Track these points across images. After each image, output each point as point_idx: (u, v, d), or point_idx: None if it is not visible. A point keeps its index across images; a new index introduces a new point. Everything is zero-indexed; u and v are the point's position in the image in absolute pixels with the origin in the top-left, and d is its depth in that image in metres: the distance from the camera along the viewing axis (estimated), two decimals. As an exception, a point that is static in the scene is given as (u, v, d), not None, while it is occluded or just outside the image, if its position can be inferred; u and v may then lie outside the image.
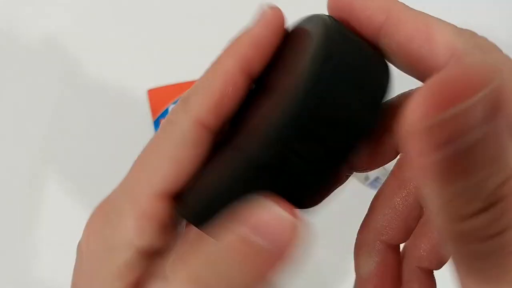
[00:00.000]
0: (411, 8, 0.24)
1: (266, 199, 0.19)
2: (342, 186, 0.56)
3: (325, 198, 0.23)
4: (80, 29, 0.61)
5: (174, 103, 0.58)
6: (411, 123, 0.14)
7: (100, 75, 0.59)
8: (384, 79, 0.20)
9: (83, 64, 0.59)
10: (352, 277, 0.54)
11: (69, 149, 0.57)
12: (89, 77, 0.59)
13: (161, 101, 0.58)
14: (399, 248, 0.29)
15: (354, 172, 0.29)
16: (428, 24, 0.23)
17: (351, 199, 0.57)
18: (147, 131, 0.57)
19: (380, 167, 0.51)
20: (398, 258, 0.28)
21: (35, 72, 0.59)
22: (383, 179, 0.51)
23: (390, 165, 0.48)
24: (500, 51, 0.23)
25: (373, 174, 0.52)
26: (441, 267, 0.26)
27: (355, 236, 0.55)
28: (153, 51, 0.60)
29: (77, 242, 0.24)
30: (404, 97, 0.26)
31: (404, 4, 0.24)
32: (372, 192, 0.57)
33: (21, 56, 0.60)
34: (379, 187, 0.55)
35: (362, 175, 0.56)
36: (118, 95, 0.59)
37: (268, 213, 0.18)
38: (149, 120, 0.58)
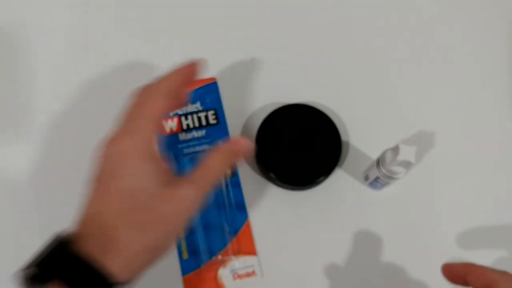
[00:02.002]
0: None
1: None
2: (342, 185, 0.56)
3: None
4: (80, 28, 0.61)
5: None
6: None
7: (100, 75, 0.59)
8: None
9: (83, 63, 0.59)
10: (351, 275, 0.54)
11: (68, 149, 0.57)
12: (89, 76, 0.59)
13: (161, 101, 0.58)
14: None
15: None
16: None
17: (351, 199, 0.57)
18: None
19: (380, 168, 0.51)
20: None
21: (34, 71, 0.59)
22: (383, 179, 0.51)
23: (392, 166, 0.49)
24: None
25: (373, 174, 0.52)
26: None
27: (355, 234, 0.55)
28: (153, 51, 0.60)
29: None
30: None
31: None
32: (372, 192, 0.57)
33: (20, 55, 0.60)
34: (379, 187, 0.55)
35: (362, 175, 0.56)
36: (118, 94, 0.59)
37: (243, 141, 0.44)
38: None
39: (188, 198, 0.41)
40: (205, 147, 0.57)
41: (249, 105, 0.58)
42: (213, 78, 0.59)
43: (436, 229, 0.55)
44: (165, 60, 0.61)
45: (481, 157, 0.57)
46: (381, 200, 0.55)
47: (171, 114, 0.57)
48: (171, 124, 0.57)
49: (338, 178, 0.56)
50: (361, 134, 0.57)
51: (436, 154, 0.57)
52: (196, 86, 0.59)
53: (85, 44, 0.60)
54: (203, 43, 0.61)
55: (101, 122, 0.59)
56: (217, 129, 0.57)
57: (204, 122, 0.58)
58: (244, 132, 0.57)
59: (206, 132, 0.57)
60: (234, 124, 0.58)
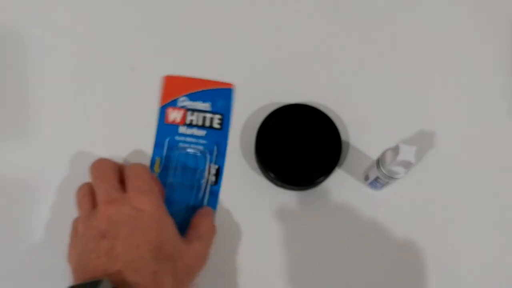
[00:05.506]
0: None
1: None
2: (342, 185, 0.56)
3: None
4: (81, 28, 0.61)
5: (185, 95, 0.58)
6: None
7: (100, 75, 0.59)
8: None
9: (83, 63, 0.59)
10: (350, 275, 0.54)
11: (67, 148, 0.57)
12: (89, 76, 0.59)
13: (174, 90, 0.58)
14: None
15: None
16: None
17: (351, 199, 0.57)
18: (151, 115, 0.57)
19: (380, 168, 0.51)
20: None
21: (34, 72, 0.59)
22: (383, 179, 0.51)
23: (392, 166, 0.49)
24: None
25: (373, 174, 0.52)
26: None
27: (355, 234, 0.55)
28: (155, 51, 0.60)
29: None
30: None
31: None
32: (372, 192, 0.57)
33: (21, 55, 0.60)
34: (379, 187, 0.55)
35: (362, 175, 0.56)
36: (119, 95, 0.59)
37: None
38: (156, 105, 0.58)
39: (201, 252, 0.50)
40: (200, 147, 0.57)
41: (249, 105, 0.58)
42: (230, 84, 0.59)
43: (436, 229, 0.55)
44: (166, 60, 0.61)
45: (481, 157, 0.57)
46: (381, 200, 0.55)
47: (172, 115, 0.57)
48: (176, 115, 0.57)
49: (338, 178, 0.56)
50: (361, 134, 0.57)
51: (436, 154, 0.57)
52: (212, 87, 0.58)
53: (85, 44, 0.60)
54: (204, 43, 0.60)
55: (101, 121, 0.59)
56: (217, 134, 0.57)
57: (207, 123, 0.57)
58: (244, 132, 0.57)
59: (206, 134, 0.57)
60: (234, 124, 0.58)
